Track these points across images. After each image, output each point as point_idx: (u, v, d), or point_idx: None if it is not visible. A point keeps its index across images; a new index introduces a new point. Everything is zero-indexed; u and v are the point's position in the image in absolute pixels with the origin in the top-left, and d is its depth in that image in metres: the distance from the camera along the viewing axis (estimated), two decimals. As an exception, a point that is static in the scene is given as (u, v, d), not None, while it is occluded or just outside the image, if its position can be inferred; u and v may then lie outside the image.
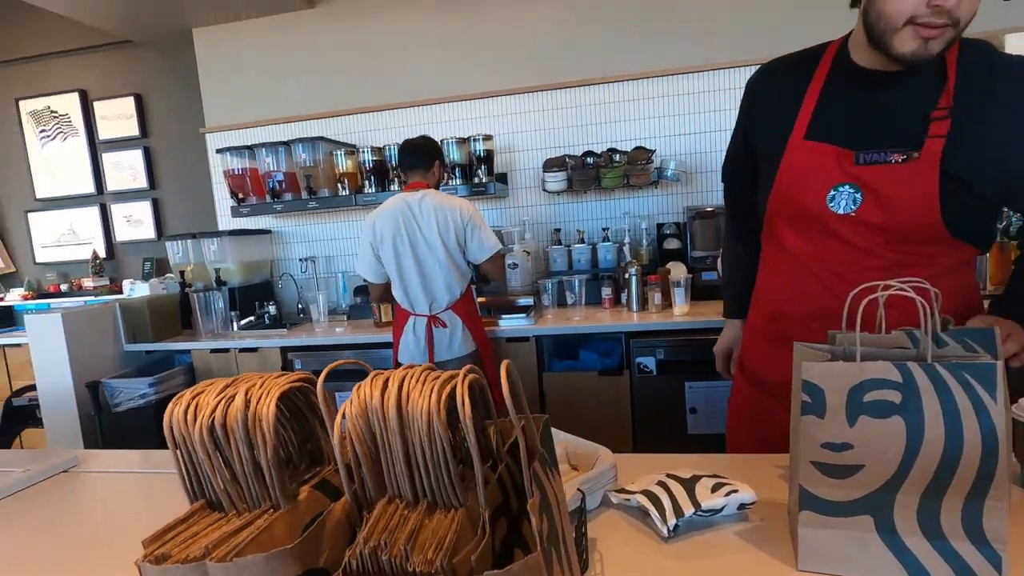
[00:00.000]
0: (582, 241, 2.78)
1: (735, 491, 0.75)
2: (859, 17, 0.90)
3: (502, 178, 2.88)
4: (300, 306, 3.07)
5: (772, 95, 1.04)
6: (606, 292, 2.58)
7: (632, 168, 2.58)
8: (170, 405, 0.39)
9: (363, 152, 2.77)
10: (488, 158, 2.70)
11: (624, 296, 2.52)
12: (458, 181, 2.71)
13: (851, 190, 0.91)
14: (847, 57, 0.95)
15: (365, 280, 2.19)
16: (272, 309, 2.89)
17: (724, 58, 2.66)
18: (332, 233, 3.15)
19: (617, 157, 2.65)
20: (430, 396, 0.36)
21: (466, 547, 0.32)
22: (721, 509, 0.74)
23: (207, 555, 0.33)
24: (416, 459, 0.36)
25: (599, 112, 2.81)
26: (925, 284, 0.67)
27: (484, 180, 2.69)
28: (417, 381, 0.38)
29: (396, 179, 2.78)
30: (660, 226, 2.77)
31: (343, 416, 0.37)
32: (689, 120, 2.74)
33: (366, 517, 0.35)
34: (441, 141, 2.72)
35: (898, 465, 0.61)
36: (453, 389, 0.36)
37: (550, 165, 2.66)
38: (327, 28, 3.01)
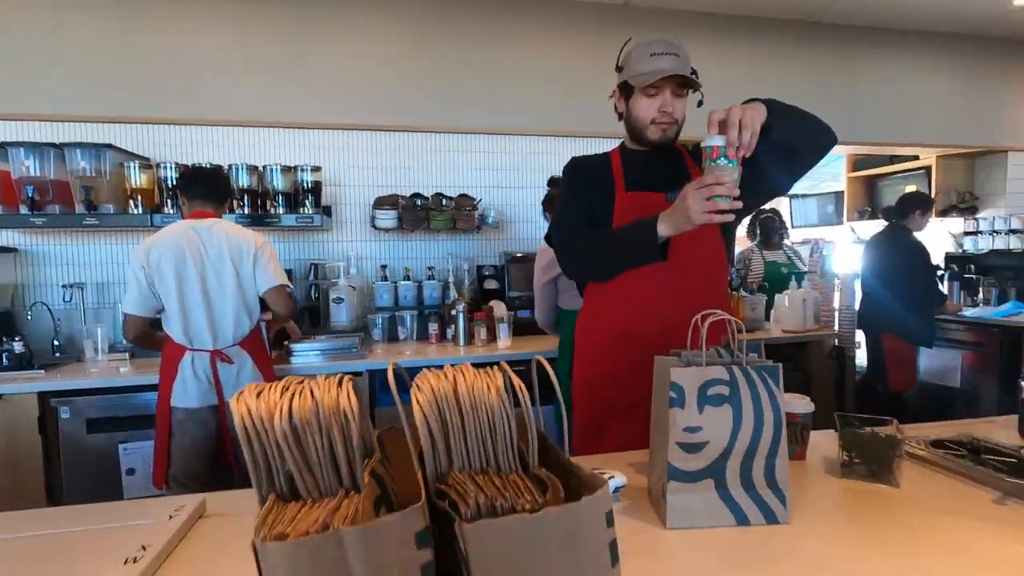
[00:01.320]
0: (408, 278, 2.87)
1: (612, 476, 0.93)
2: (625, 125, 1.36)
3: (327, 211, 2.82)
4: (56, 342, 2.51)
5: (589, 172, 1.40)
6: (433, 328, 2.70)
7: (459, 213, 2.79)
8: (236, 402, 0.40)
9: (165, 168, 2.46)
10: (316, 189, 2.64)
11: (450, 331, 2.66)
12: (282, 210, 2.59)
13: None
14: (625, 149, 1.40)
15: (127, 313, 1.93)
16: (17, 346, 2.31)
17: (539, 127, 3.09)
18: (109, 256, 2.66)
19: (444, 202, 2.84)
20: (491, 383, 0.45)
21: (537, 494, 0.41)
22: (602, 494, 0.92)
23: (327, 528, 0.36)
24: (484, 434, 0.44)
25: (428, 158, 2.99)
26: (728, 316, 0.96)
27: (311, 211, 2.61)
28: (467, 374, 0.46)
29: (171, 204, 2.46)
30: (480, 267, 3.02)
31: (417, 403, 0.43)
32: (506, 175, 3.09)
33: (451, 480, 0.41)
34: (264, 167, 2.60)
35: (728, 440, 0.85)
36: (503, 377, 0.46)
37: (382, 203, 2.72)
38: (125, 14, 2.63)
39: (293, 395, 0.43)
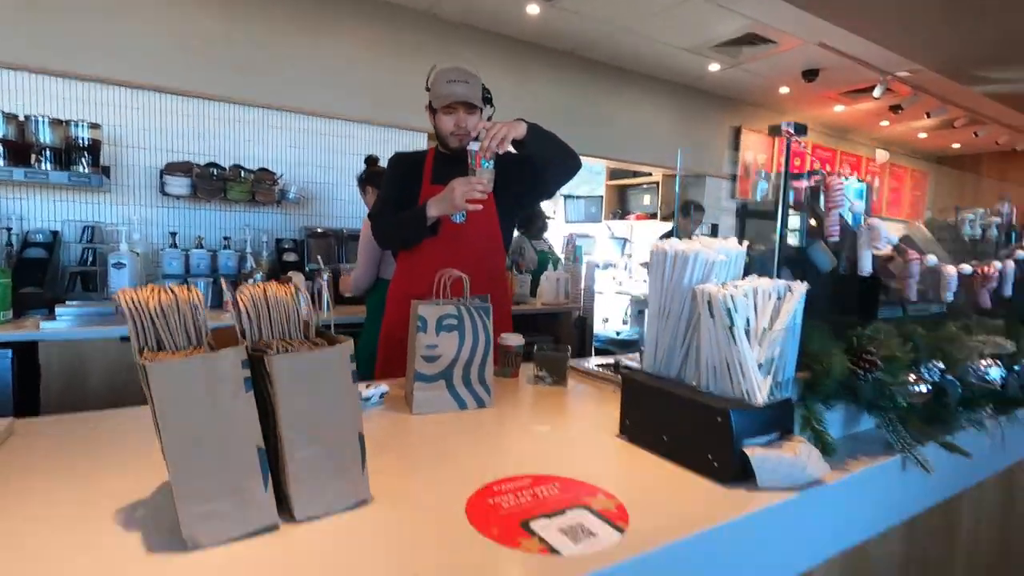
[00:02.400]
0: (200, 246, 2.88)
1: (380, 385, 1.32)
2: (435, 133, 1.75)
3: (106, 171, 2.68)
4: None
5: (407, 166, 1.78)
6: (227, 295, 2.78)
7: (260, 186, 2.89)
8: (121, 294, 0.67)
9: None
10: (94, 147, 2.51)
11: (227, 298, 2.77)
12: (49, 166, 2.41)
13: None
14: (439, 151, 1.77)
15: None
16: None
17: (346, 113, 3.30)
18: None
19: (243, 173, 2.91)
20: (286, 289, 0.79)
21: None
22: (371, 398, 1.30)
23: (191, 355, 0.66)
24: (280, 317, 0.78)
25: (227, 129, 3.00)
26: (464, 276, 1.41)
27: (87, 170, 2.48)
28: (273, 286, 0.80)
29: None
30: (279, 240, 3.15)
31: (239, 300, 0.75)
32: (308, 154, 3.25)
33: (256, 344, 0.74)
34: (26, 117, 2.40)
35: (455, 355, 1.30)
36: (294, 286, 0.81)
37: (174, 169, 2.69)
38: None
39: (158, 292, 0.72)
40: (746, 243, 1.12)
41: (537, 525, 0.79)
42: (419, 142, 3.57)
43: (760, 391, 0.97)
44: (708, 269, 1.07)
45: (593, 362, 1.78)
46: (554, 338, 3.42)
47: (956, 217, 1.90)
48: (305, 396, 0.76)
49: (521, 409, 1.37)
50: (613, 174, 5.89)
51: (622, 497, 0.89)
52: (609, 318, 5.23)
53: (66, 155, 2.45)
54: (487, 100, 1.74)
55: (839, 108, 5.47)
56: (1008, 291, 1.69)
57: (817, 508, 0.97)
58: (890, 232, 1.24)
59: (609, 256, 5.80)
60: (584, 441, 1.16)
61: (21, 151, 2.38)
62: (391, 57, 3.44)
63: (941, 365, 1.20)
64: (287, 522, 0.77)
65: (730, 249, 1.09)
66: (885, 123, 5.94)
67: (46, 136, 2.38)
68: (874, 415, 1.19)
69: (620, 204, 5.98)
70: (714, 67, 4.43)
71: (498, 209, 1.75)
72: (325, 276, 2.80)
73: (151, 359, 0.67)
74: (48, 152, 2.40)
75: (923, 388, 1.18)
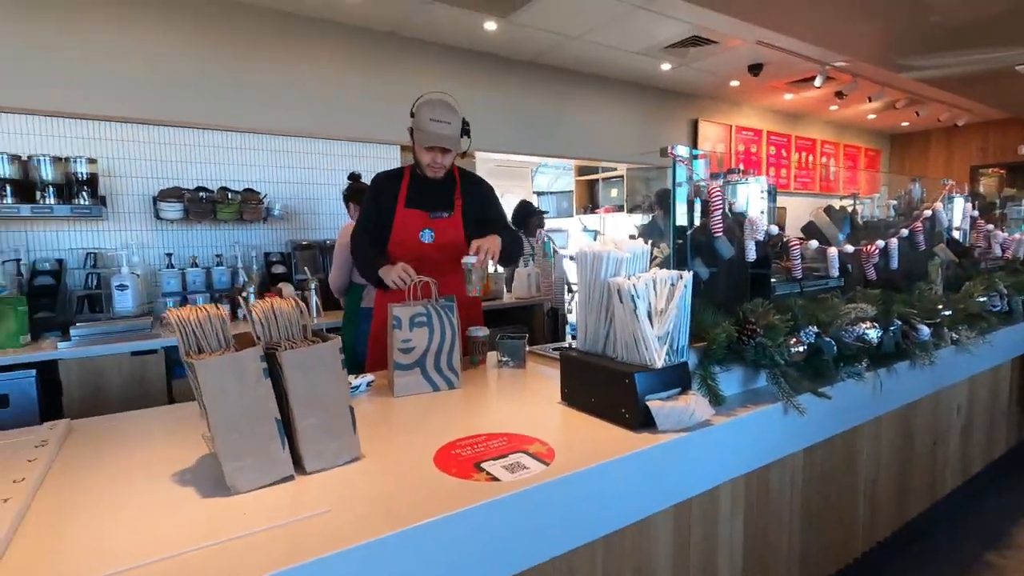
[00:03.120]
0: (195, 265, 3.11)
1: (365, 375, 1.59)
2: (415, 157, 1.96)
3: (102, 201, 2.91)
4: None
5: (385, 187, 2.00)
6: (224, 308, 3.01)
7: (246, 206, 3.13)
8: (171, 314, 0.94)
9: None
10: (92, 180, 2.74)
11: (241, 312, 3.02)
12: (52, 200, 2.64)
13: (429, 231, 1.93)
14: (414, 171, 1.99)
15: None
16: None
17: (317, 130, 3.54)
18: None
19: (230, 195, 3.15)
20: (287, 303, 1.06)
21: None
22: (359, 386, 1.57)
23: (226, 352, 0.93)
24: (286, 323, 1.05)
25: (210, 154, 3.23)
26: (431, 280, 1.68)
27: (88, 203, 2.71)
28: (277, 300, 1.07)
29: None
30: (267, 254, 3.39)
31: (252, 311, 1.02)
32: (291, 172, 3.49)
33: (269, 344, 1.02)
34: (29, 157, 2.62)
35: (426, 346, 1.57)
36: (295, 301, 1.08)
37: (167, 195, 2.93)
38: None
39: (196, 310, 0.99)
40: (650, 243, 1.41)
41: (486, 465, 1.08)
42: (391, 153, 3.83)
43: (658, 357, 1.26)
44: (619, 265, 1.35)
45: (550, 347, 2.07)
46: (525, 329, 3.70)
47: (855, 203, 2.21)
48: (307, 379, 1.03)
49: (485, 388, 1.65)
50: (582, 170, 6.18)
51: (553, 444, 1.18)
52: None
53: (67, 189, 2.67)
54: (465, 132, 1.94)
55: (789, 96, 5.80)
56: (895, 264, 2.01)
57: (706, 443, 1.27)
58: (770, 225, 1.54)
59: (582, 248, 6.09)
60: (532, 407, 1.45)
61: (26, 188, 2.60)
62: (360, 76, 3.68)
63: (815, 329, 1.51)
64: (300, 474, 1.05)
65: (636, 248, 1.38)
66: (834, 107, 6.30)
67: (48, 173, 2.60)
68: (762, 372, 1.49)
69: (590, 198, 6.28)
70: (665, 66, 4.72)
71: (464, 231, 2.01)
72: (313, 285, 3.06)
73: (196, 358, 0.94)
74: (51, 188, 2.62)
75: (800, 348, 1.49)
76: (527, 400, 1.54)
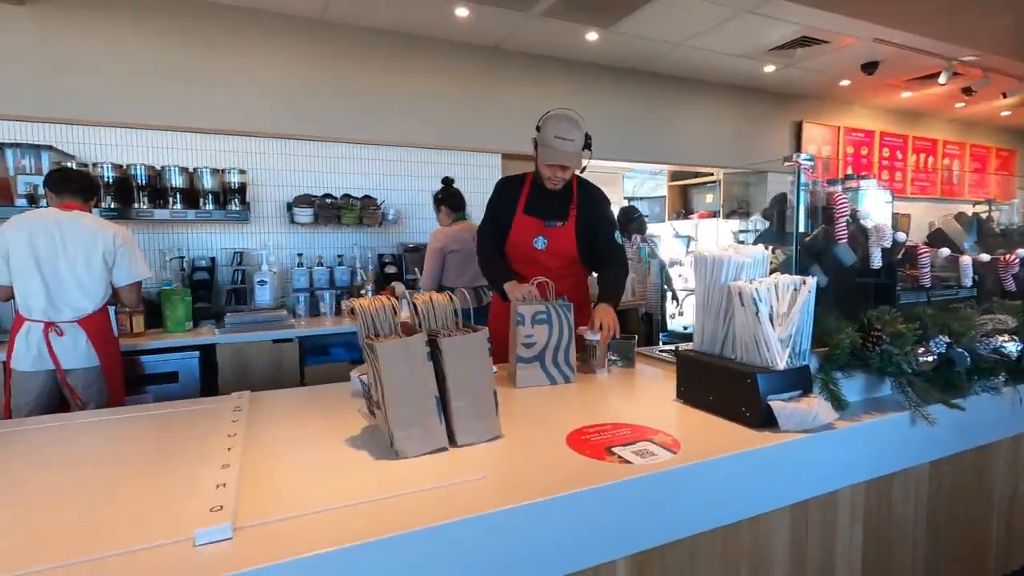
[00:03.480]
0: (321, 264, 3.45)
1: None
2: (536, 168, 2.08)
3: (247, 207, 3.31)
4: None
5: (506, 192, 2.14)
6: (346, 304, 3.33)
7: (366, 211, 3.43)
8: (355, 304, 1.12)
9: (102, 168, 2.81)
10: (242, 189, 3.13)
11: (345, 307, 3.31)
12: (211, 206, 3.04)
13: (543, 238, 2.06)
14: (535, 179, 2.11)
15: None
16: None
17: (427, 141, 3.81)
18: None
19: (352, 202, 3.46)
20: (444, 298, 1.22)
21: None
22: (483, 376, 1.72)
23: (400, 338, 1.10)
24: (442, 314, 1.20)
25: (334, 164, 3.58)
26: (549, 281, 1.80)
27: (238, 208, 3.10)
28: (434, 295, 1.23)
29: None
30: (381, 255, 3.69)
31: (415, 304, 1.19)
32: (404, 180, 3.78)
33: (430, 331, 1.17)
34: (194, 170, 3.04)
35: (545, 342, 1.70)
36: (449, 296, 1.24)
37: (300, 202, 3.28)
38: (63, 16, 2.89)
39: (373, 301, 1.16)
40: (771, 248, 1.44)
41: (616, 449, 1.17)
42: (493, 161, 4.02)
43: (780, 359, 1.30)
44: (739, 269, 1.40)
45: (656, 349, 2.13)
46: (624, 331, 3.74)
47: (990, 210, 2.08)
48: (461, 364, 1.18)
49: (599, 384, 1.74)
50: (675, 175, 6.10)
51: (677, 436, 1.25)
52: (675, 314, 5.46)
53: (223, 196, 3.08)
54: (587, 146, 2.01)
55: (906, 94, 5.42)
56: (1037, 275, 1.88)
57: (828, 446, 1.29)
58: (896, 232, 1.51)
59: (675, 254, 6.02)
60: (649, 403, 1.53)
61: (191, 196, 3.03)
62: (465, 88, 3.90)
63: (946, 339, 1.47)
64: (453, 447, 1.19)
65: (756, 253, 1.42)
66: (960, 104, 5.79)
67: (208, 183, 3.02)
68: (887, 380, 1.48)
69: (683, 203, 6.18)
70: (769, 68, 4.58)
71: (576, 240, 2.12)
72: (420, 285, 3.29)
73: (375, 341, 1.11)
74: (210, 196, 3.03)
75: (930, 358, 1.45)
76: (642, 396, 1.62)
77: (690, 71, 4.67)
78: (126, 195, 2.88)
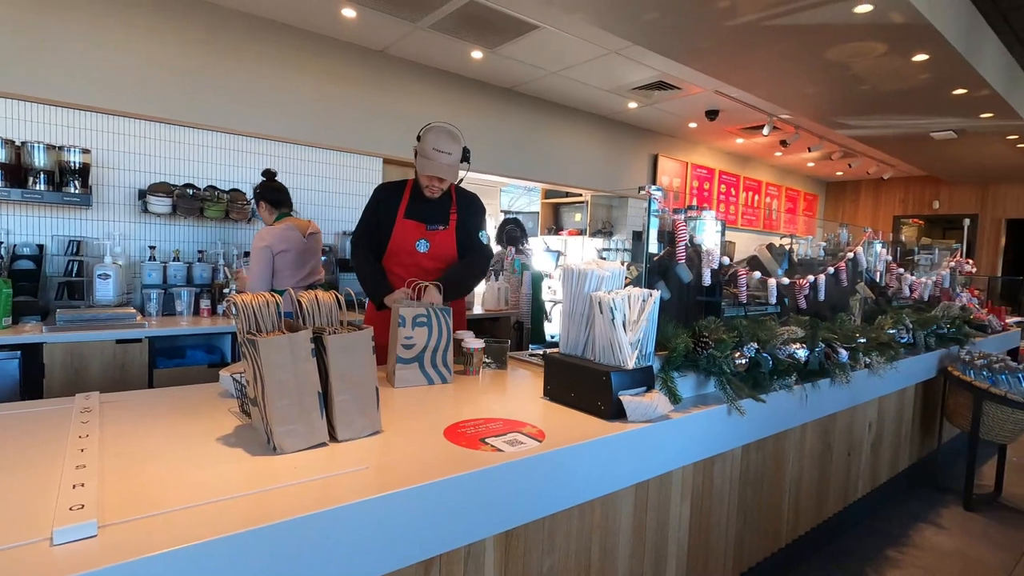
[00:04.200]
0: (177, 259, 3.18)
1: (368, 367, 1.78)
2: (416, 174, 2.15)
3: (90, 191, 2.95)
4: None
5: (387, 197, 2.18)
6: (205, 303, 3.10)
7: (234, 205, 3.23)
8: (235, 299, 1.11)
9: None
10: (84, 170, 2.79)
11: (221, 307, 3.11)
12: (43, 187, 2.68)
13: (425, 241, 2.12)
14: (415, 185, 2.18)
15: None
16: None
17: (309, 139, 3.68)
18: None
19: (218, 194, 3.24)
20: (328, 296, 1.25)
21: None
22: (362, 376, 1.75)
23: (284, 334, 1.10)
24: (326, 312, 1.23)
25: (199, 152, 3.32)
26: (430, 284, 1.89)
27: (78, 191, 2.76)
28: (319, 293, 1.26)
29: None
30: (247, 253, 3.48)
31: (299, 302, 1.21)
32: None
33: (310, 327, 1.20)
34: (23, 143, 2.67)
35: (425, 344, 1.77)
36: (334, 295, 1.27)
37: (156, 190, 3.00)
38: None
39: (255, 297, 1.16)
40: (626, 264, 1.67)
41: (489, 440, 1.29)
42: (374, 165, 4.00)
43: (630, 360, 1.51)
44: (600, 282, 1.61)
45: (526, 353, 2.30)
46: (494, 337, 3.92)
47: (791, 242, 2.58)
48: (345, 360, 1.22)
49: (474, 384, 1.86)
50: (548, 193, 6.50)
51: (543, 427, 1.40)
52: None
53: (59, 176, 2.71)
54: (465, 159, 2.13)
55: (740, 140, 6.35)
56: (822, 296, 2.36)
57: (666, 433, 1.53)
58: (722, 256, 1.84)
59: (544, 267, 6.39)
60: (518, 400, 1.67)
61: (16, 173, 2.63)
62: (348, 89, 3.86)
63: (755, 345, 1.80)
64: (333, 441, 1.23)
65: (614, 269, 1.64)
66: (778, 154, 6.91)
67: (41, 160, 2.65)
68: (712, 379, 1.77)
69: (554, 220, 6.60)
70: (632, 105, 5.12)
71: (457, 242, 2.22)
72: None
73: (257, 337, 1.12)
74: (42, 175, 2.66)
75: (743, 361, 1.78)
76: (513, 395, 1.76)
77: (564, 98, 5.04)
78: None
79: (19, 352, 2.34)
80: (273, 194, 2.85)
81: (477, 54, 3.99)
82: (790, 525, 2.21)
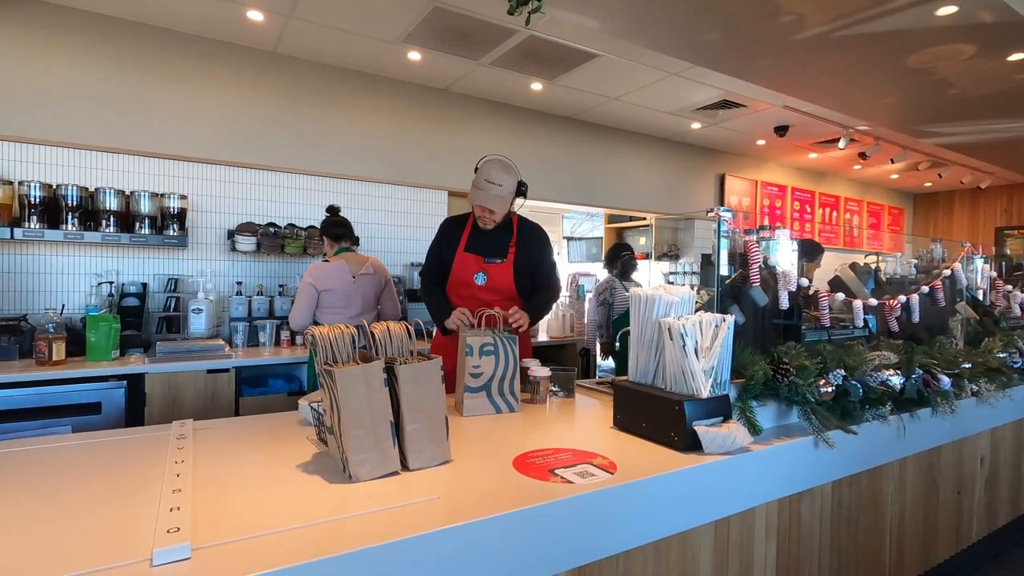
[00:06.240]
0: (261, 293, 3.39)
1: (437, 396, 1.80)
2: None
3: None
4: None
5: (450, 231, 2.26)
6: (285, 335, 3.27)
7: (311, 241, 3.43)
8: (314, 332, 1.17)
9: (28, 186, 2.69)
10: (181, 215, 3.06)
11: (299, 339, 3.27)
12: (147, 231, 2.95)
13: (483, 274, 2.16)
14: (474, 221, 2.23)
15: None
16: None
17: (379, 176, 3.87)
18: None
19: (297, 232, 3.45)
20: (399, 328, 1.29)
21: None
22: (431, 405, 1.78)
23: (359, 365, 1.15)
24: (398, 343, 1.27)
25: (279, 193, 3.57)
26: (498, 312, 1.91)
27: (176, 234, 3.02)
28: (391, 325, 1.30)
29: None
30: (323, 286, 3.67)
31: (373, 335, 1.25)
32: (348, 213, 3.80)
33: (382, 358, 1.23)
34: (131, 192, 2.96)
35: (492, 373, 1.78)
36: (404, 327, 1.31)
37: (243, 229, 3.24)
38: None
39: (331, 329, 1.22)
40: (696, 288, 1.62)
41: (559, 471, 1.27)
42: (439, 198, 4.14)
43: (704, 389, 1.45)
44: (669, 307, 1.56)
45: (593, 381, 2.26)
46: (559, 364, 3.88)
47: (878, 260, 2.40)
48: (416, 390, 1.25)
49: (542, 413, 1.84)
50: (611, 218, 6.44)
51: (613, 458, 1.36)
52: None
53: (160, 221, 2.99)
54: (521, 193, 2.17)
55: (813, 155, 6.06)
56: (916, 318, 2.18)
57: (747, 466, 1.44)
58: (800, 278, 1.74)
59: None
60: (587, 430, 1.64)
61: (125, 219, 2.93)
62: (415, 127, 4.03)
63: (842, 372, 1.68)
64: (404, 470, 1.25)
65: (684, 293, 1.59)
66: (857, 167, 6.53)
67: (146, 207, 2.93)
68: (794, 409, 1.66)
69: (618, 245, 6.52)
70: (696, 125, 5.03)
71: (515, 277, 2.24)
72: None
73: (335, 368, 1.17)
74: (147, 220, 2.94)
75: (829, 389, 1.66)
76: (581, 424, 1.73)
77: (625, 123, 5.03)
78: (53, 216, 2.76)
79: (124, 382, 2.55)
80: (334, 228, 2.92)
81: (537, 86, 4.08)
82: (894, 569, 2.01)
